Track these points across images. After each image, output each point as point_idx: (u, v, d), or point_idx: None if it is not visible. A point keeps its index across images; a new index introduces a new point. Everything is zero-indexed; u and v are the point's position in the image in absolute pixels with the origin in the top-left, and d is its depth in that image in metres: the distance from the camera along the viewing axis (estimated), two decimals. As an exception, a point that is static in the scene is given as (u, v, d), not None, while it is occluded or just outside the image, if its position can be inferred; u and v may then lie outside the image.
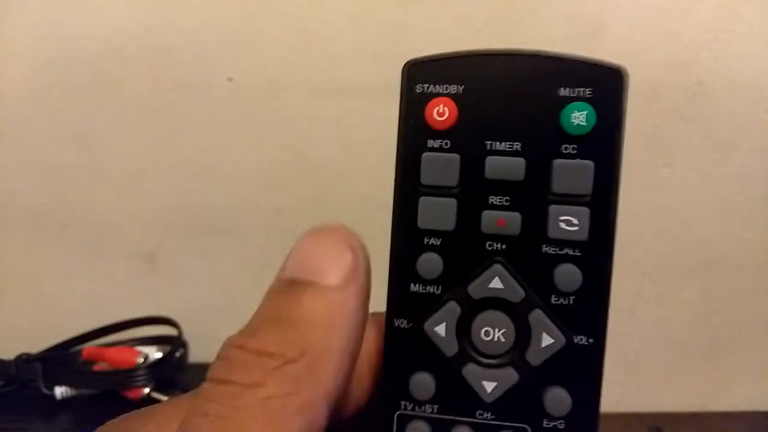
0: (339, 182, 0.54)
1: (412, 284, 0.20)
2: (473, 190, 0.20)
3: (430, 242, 0.20)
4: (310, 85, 0.53)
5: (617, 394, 0.57)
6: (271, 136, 0.54)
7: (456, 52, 0.20)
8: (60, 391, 0.47)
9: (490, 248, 0.20)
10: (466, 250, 0.20)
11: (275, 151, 0.54)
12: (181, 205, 0.56)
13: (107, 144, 0.55)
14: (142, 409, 0.19)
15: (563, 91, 0.19)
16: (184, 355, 0.52)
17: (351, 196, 0.54)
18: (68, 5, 0.53)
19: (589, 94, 0.19)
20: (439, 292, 0.20)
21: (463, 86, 0.20)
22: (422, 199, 0.20)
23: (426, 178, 0.20)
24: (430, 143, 0.20)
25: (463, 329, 0.20)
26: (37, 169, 0.56)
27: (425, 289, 0.20)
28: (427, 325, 0.20)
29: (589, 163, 0.19)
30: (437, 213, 0.20)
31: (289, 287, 0.18)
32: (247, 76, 0.54)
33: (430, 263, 0.20)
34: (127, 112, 0.55)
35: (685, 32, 0.51)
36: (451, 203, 0.20)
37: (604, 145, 0.19)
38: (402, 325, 0.20)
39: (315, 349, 0.17)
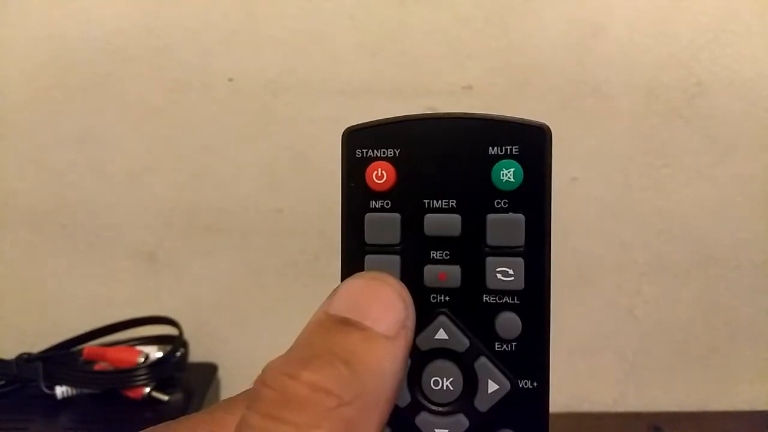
0: (339, 182, 0.54)
1: None
2: (415, 247, 0.21)
3: None
4: (310, 85, 0.53)
5: (616, 393, 0.57)
6: (271, 136, 0.54)
7: (392, 118, 0.21)
8: (61, 390, 0.48)
9: (434, 301, 0.21)
10: None
11: (275, 151, 0.54)
12: (181, 205, 0.56)
13: (107, 144, 0.55)
14: (169, 424, 0.20)
15: (492, 150, 0.20)
16: (185, 355, 0.52)
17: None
18: (68, 5, 0.53)
19: (516, 151, 0.20)
20: None
21: (399, 149, 0.21)
22: (367, 258, 0.21)
23: (370, 237, 0.21)
24: (372, 204, 0.21)
25: (414, 380, 0.21)
26: (37, 169, 0.56)
27: None
28: None
29: (520, 216, 0.20)
30: (382, 270, 0.21)
31: (341, 325, 0.18)
32: (247, 76, 0.54)
33: None
34: (127, 112, 0.55)
35: (685, 32, 0.51)
36: (395, 260, 0.21)
37: (532, 199, 0.20)
38: None
39: (368, 394, 0.17)
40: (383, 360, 0.17)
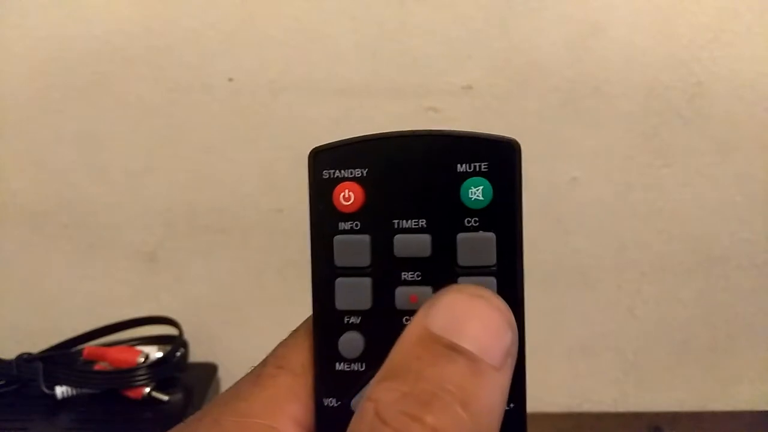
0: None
1: (337, 363, 0.20)
2: (385, 269, 0.20)
3: (350, 321, 0.20)
4: (310, 85, 0.53)
5: (616, 393, 0.57)
6: (271, 136, 0.54)
7: (359, 137, 0.21)
8: (61, 390, 0.47)
9: (407, 323, 0.20)
10: (384, 327, 0.20)
11: (275, 151, 0.54)
12: (181, 205, 0.56)
13: (107, 144, 0.55)
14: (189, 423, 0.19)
15: (461, 167, 0.20)
16: (185, 355, 0.52)
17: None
18: (68, 5, 0.53)
19: (485, 168, 0.20)
20: (363, 369, 0.20)
21: (367, 169, 0.20)
22: (338, 281, 0.20)
23: (339, 260, 0.20)
24: (341, 226, 0.20)
25: None
26: (37, 169, 0.56)
27: (350, 368, 0.20)
28: (354, 402, 0.20)
29: (491, 235, 0.20)
30: (353, 293, 0.20)
31: (447, 350, 0.17)
32: (247, 76, 0.54)
33: (352, 342, 0.20)
34: (127, 112, 0.55)
35: (685, 32, 0.51)
36: (366, 283, 0.20)
37: (503, 217, 0.20)
38: (331, 404, 0.20)
39: None
40: (493, 396, 0.17)
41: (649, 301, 0.55)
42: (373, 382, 0.17)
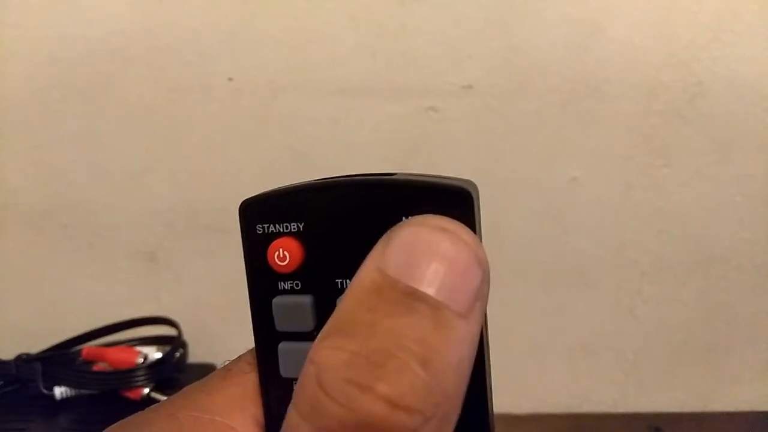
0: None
1: None
2: None
3: None
4: (310, 85, 0.53)
5: (617, 393, 0.57)
6: (271, 136, 0.54)
7: (292, 186, 0.18)
8: (60, 391, 0.47)
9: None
10: None
11: (275, 151, 0.54)
12: (181, 205, 0.56)
13: (107, 144, 0.55)
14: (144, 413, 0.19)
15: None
16: (184, 355, 0.52)
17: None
18: (68, 5, 0.53)
19: None
20: None
21: (303, 222, 0.18)
22: (281, 347, 0.18)
23: (281, 324, 0.18)
24: (281, 286, 0.18)
25: None
26: (37, 169, 0.56)
27: None
28: None
29: None
30: (298, 361, 0.18)
31: (406, 298, 0.14)
32: (247, 76, 0.54)
33: None
34: (127, 112, 0.55)
35: (685, 32, 0.51)
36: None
37: None
38: None
39: (448, 400, 0.14)
40: (460, 350, 0.14)
41: (649, 301, 0.55)
42: (318, 337, 0.14)
